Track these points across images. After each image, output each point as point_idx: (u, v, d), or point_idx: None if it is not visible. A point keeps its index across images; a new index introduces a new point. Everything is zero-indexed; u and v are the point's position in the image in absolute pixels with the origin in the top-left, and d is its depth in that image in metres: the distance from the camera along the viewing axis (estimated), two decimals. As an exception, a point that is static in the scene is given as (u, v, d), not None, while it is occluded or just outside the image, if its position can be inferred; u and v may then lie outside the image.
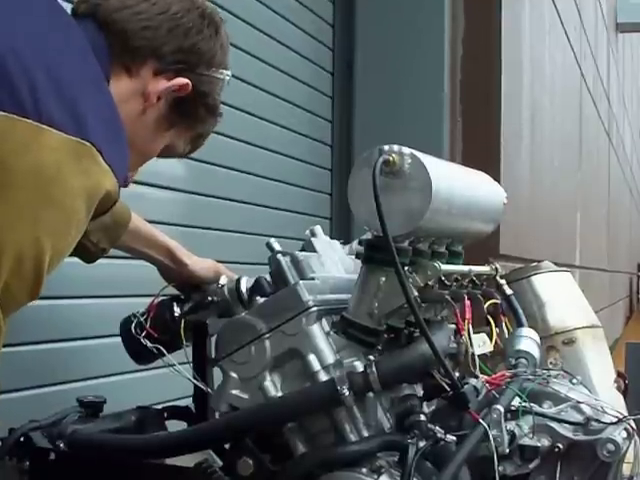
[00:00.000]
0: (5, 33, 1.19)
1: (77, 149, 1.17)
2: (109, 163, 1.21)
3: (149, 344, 1.69)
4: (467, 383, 1.53)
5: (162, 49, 1.43)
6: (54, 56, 1.23)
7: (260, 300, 1.63)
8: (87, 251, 1.72)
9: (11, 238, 1.12)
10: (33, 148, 1.13)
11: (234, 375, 1.55)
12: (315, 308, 1.53)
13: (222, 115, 1.58)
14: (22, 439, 1.53)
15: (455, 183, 1.61)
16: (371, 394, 1.48)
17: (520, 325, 1.79)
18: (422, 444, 1.44)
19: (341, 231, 3.59)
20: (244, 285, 1.72)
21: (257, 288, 1.69)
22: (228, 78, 1.53)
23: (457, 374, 1.54)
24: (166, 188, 2.57)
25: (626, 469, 1.60)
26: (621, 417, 1.57)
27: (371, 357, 1.51)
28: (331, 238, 1.87)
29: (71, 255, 1.76)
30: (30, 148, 1.13)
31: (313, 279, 1.62)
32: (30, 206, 1.13)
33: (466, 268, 1.65)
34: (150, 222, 1.86)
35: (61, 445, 1.54)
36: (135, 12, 1.41)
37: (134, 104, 1.42)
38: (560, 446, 1.56)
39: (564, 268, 2.11)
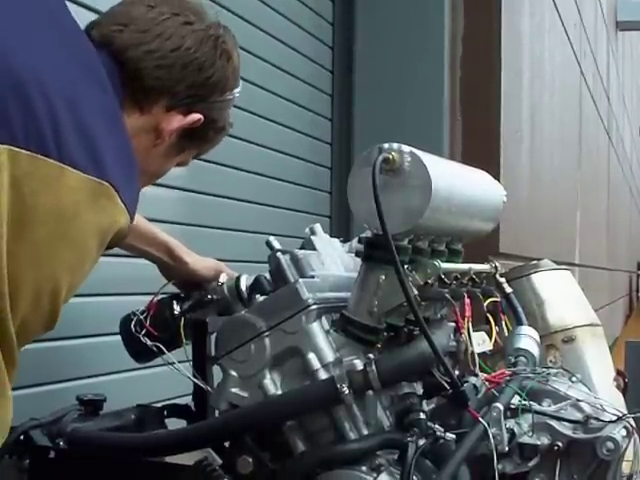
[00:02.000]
0: (29, 62, 1.18)
1: (95, 189, 1.19)
2: (124, 202, 1.23)
3: (149, 342, 1.70)
4: (467, 381, 1.53)
5: (176, 88, 1.43)
6: (76, 87, 1.23)
7: (260, 298, 1.63)
8: None
9: (30, 275, 1.13)
10: (54, 188, 1.15)
11: (234, 373, 1.56)
12: (315, 306, 1.53)
13: (232, 126, 1.59)
14: (22, 437, 1.53)
15: (455, 181, 1.61)
16: (371, 392, 1.48)
17: (520, 323, 1.79)
18: (422, 442, 1.44)
19: (341, 229, 3.59)
20: (244, 283, 1.72)
21: (257, 286, 1.69)
22: (237, 94, 1.54)
23: (457, 372, 1.55)
24: (165, 186, 2.57)
25: (625, 467, 1.60)
26: (621, 415, 1.57)
27: (371, 355, 1.51)
28: (331, 236, 1.87)
29: None
30: (51, 188, 1.14)
31: (313, 277, 1.62)
32: (48, 244, 1.15)
33: (466, 266, 1.65)
34: (149, 220, 1.86)
35: (61, 443, 1.55)
36: (149, 50, 1.40)
37: (144, 139, 1.42)
38: (559, 444, 1.56)
39: (564, 266, 2.11)
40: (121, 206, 1.23)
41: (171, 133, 1.44)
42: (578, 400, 1.60)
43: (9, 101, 1.13)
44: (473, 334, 1.58)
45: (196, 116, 1.45)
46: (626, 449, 1.57)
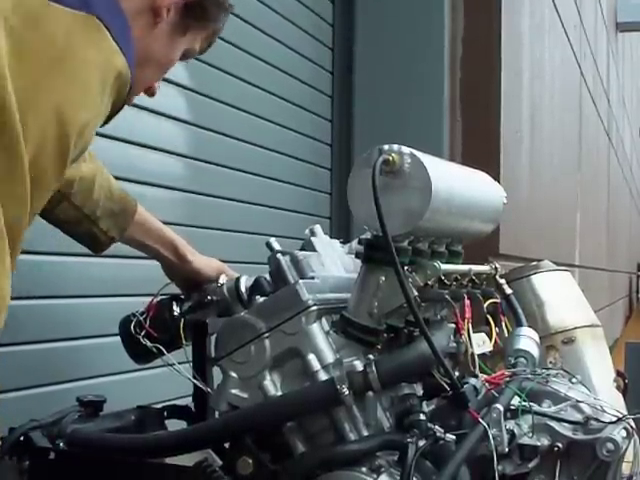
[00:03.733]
0: None
1: (86, 22, 1.17)
2: (117, 41, 1.20)
3: (148, 343, 1.70)
4: (467, 382, 1.53)
5: None
6: None
7: (260, 299, 1.63)
8: (97, 240, 1.75)
9: (32, 110, 1.11)
10: (43, 20, 1.14)
11: (234, 374, 1.55)
12: (315, 307, 1.53)
13: (233, 6, 1.52)
14: (22, 438, 1.53)
15: (455, 183, 1.61)
16: (371, 393, 1.48)
17: (520, 324, 1.79)
18: (422, 443, 1.44)
19: (341, 230, 3.59)
20: (243, 284, 1.72)
21: (257, 287, 1.69)
22: None
23: (457, 373, 1.55)
24: (166, 187, 2.57)
25: (625, 468, 1.60)
26: (620, 416, 1.57)
27: (371, 356, 1.51)
28: (331, 237, 1.87)
29: (81, 244, 1.78)
30: (40, 21, 1.14)
31: (313, 278, 1.62)
32: (45, 77, 1.13)
33: (466, 267, 1.65)
34: (151, 221, 1.87)
35: (61, 444, 1.55)
36: None
37: (142, 20, 1.36)
38: (559, 445, 1.56)
39: (564, 267, 2.11)
40: (113, 45, 1.20)
41: (168, 7, 1.38)
42: (578, 401, 1.60)
43: None
44: (473, 335, 1.58)
45: None
46: (626, 450, 1.56)
